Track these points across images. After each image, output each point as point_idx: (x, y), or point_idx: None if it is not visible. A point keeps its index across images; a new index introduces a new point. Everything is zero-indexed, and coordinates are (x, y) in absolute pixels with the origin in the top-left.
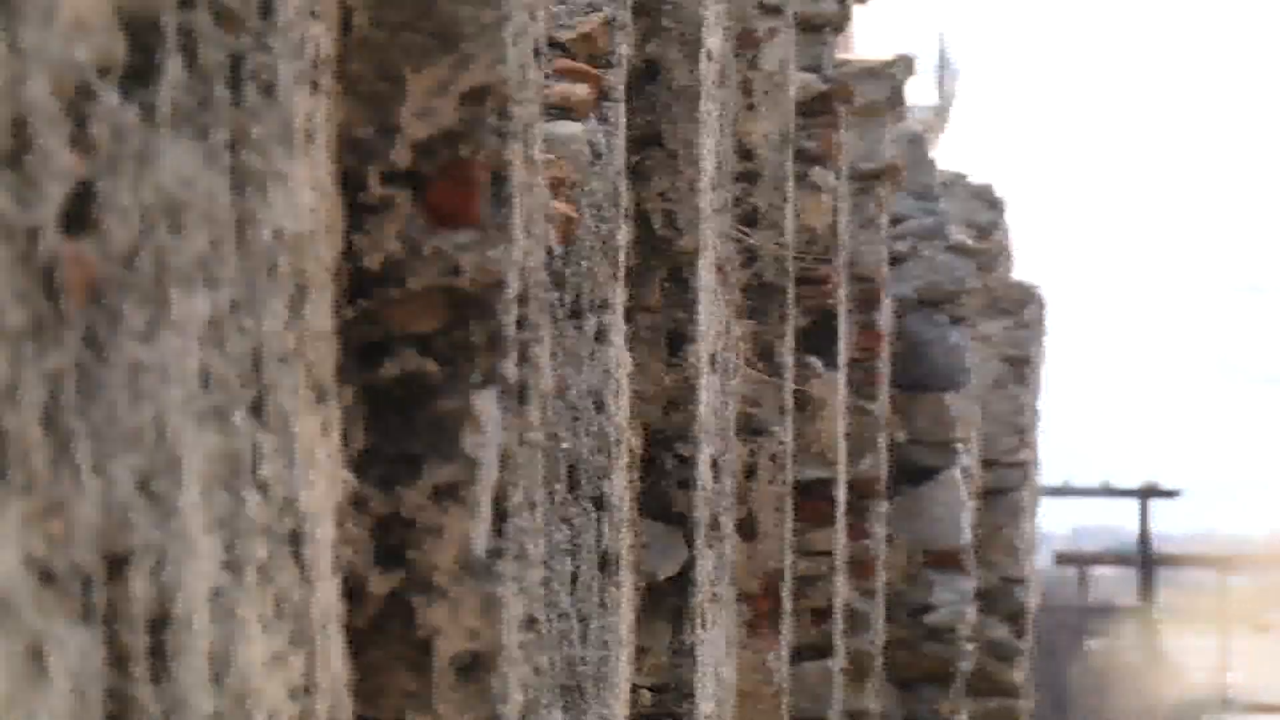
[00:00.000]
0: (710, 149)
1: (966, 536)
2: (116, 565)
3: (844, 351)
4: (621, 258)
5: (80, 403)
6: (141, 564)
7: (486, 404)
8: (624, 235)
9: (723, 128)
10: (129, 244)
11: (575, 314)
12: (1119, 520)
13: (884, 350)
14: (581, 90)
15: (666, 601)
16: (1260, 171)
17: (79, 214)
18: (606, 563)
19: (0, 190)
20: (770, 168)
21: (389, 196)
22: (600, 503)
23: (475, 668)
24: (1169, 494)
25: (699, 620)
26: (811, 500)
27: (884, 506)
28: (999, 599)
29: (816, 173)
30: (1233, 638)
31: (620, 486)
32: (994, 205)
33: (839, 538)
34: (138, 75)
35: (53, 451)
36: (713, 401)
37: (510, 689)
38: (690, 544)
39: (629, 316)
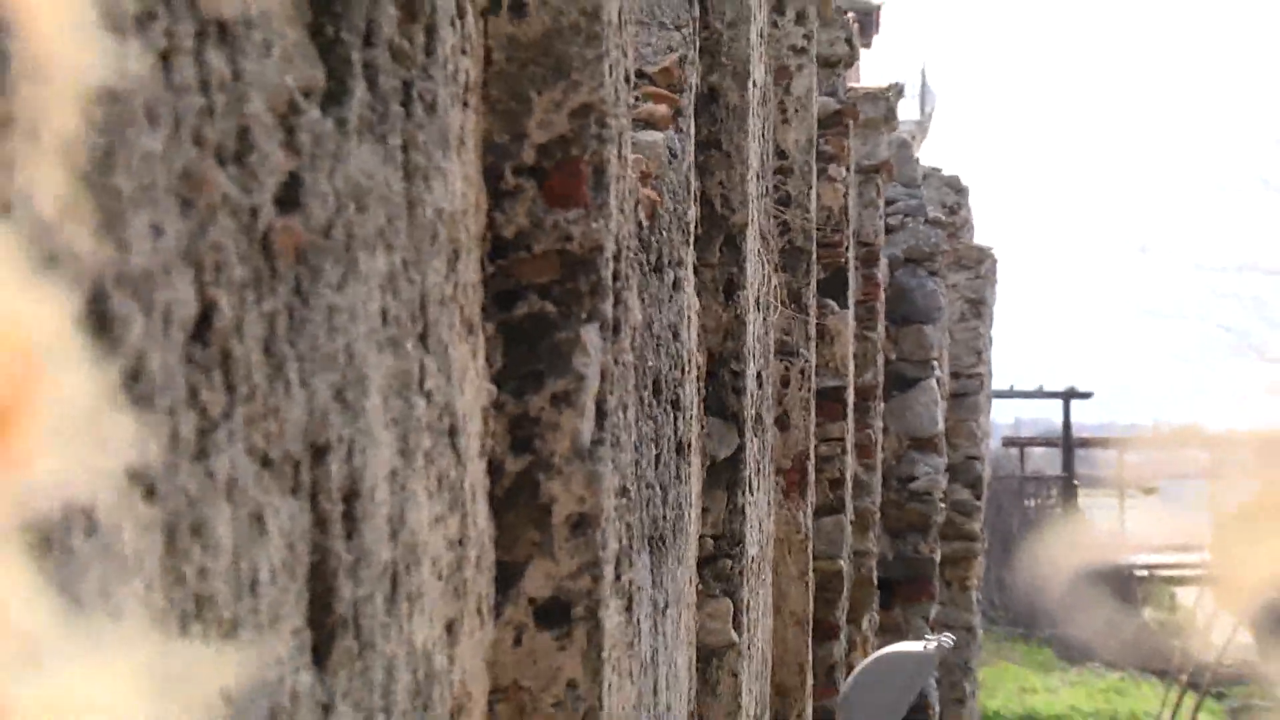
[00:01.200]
0: (755, 151)
1: (939, 426)
2: (318, 453)
3: (852, 296)
4: (691, 229)
5: (290, 335)
6: (337, 452)
7: (590, 335)
8: (693, 213)
9: (764, 136)
10: (326, 219)
11: (657, 269)
12: (1048, 414)
13: (880, 295)
14: (662, 109)
15: (724, 475)
16: (1148, 168)
17: (288, 197)
18: (680, 448)
19: (229, 180)
20: (799, 164)
21: (519, 185)
22: (676, 404)
23: (582, 525)
24: (1084, 395)
25: (747, 488)
26: (828, 402)
27: (881, 406)
28: (962, 471)
29: (832, 168)
30: (1127, 498)
31: (690, 393)
32: (959, 191)
33: (848, 428)
34: (333, 96)
35: (269, 370)
36: (756, 332)
37: (609, 539)
38: (741, 434)
39: (696, 271)
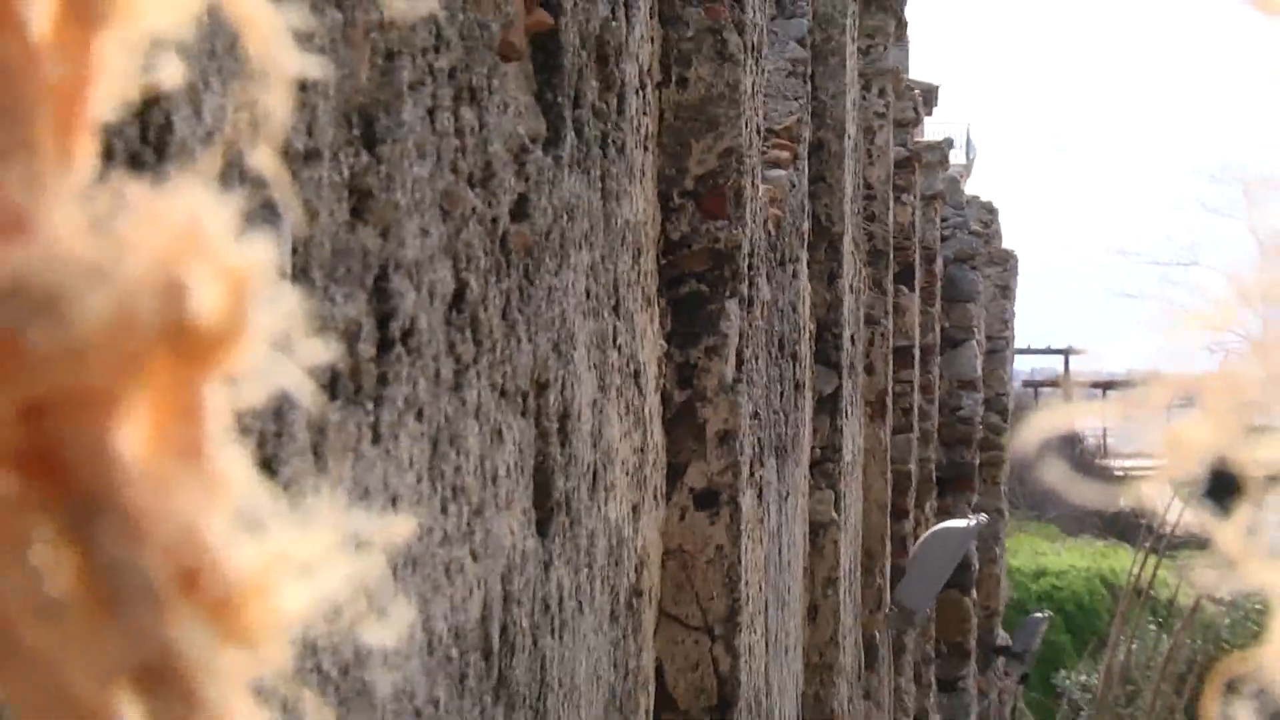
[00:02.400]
0: (849, 183)
1: (978, 373)
2: (540, 388)
3: (918, 283)
4: (805, 236)
5: (520, 305)
6: (554, 387)
7: (732, 306)
8: (806, 225)
9: (856, 173)
10: (546, 226)
11: (781, 263)
12: (1054, 364)
13: (937, 283)
14: (785, 154)
15: (827, 405)
16: (1133, 187)
17: (520, 210)
18: (798, 386)
19: (477, 198)
20: (880, 193)
21: (682, 204)
22: (795, 356)
23: (727, 438)
24: (1079, 351)
25: (844, 415)
26: (900, 357)
27: (937, 359)
28: (994, 403)
29: (904, 196)
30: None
31: (805, 348)
32: (991, 212)
33: (915, 374)
34: (551, 141)
35: (505, 330)
36: (850, 307)
37: (745, 448)
38: (839, 377)
39: (809, 265)
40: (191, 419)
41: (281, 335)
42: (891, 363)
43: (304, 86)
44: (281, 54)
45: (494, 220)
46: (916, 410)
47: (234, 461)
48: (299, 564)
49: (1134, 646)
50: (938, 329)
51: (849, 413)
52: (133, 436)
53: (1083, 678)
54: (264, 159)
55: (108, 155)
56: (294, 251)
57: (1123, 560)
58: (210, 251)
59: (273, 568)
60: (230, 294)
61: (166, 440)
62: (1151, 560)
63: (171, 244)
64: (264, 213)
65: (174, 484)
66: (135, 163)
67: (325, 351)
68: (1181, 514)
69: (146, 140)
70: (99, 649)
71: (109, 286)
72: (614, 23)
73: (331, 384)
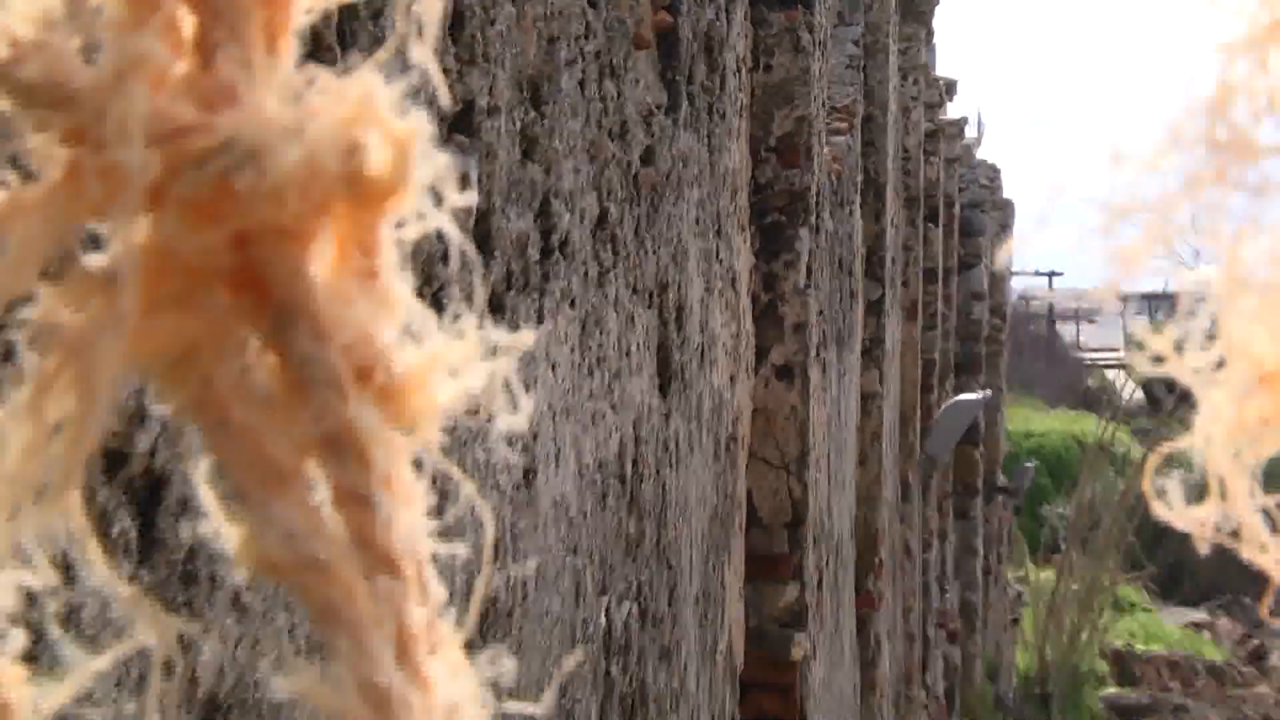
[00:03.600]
0: (891, 148)
1: (985, 287)
2: (662, 288)
3: (941, 221)
4: (858, 185)
5: (647, 227)
6: (672, 288)
7: (804, 233)
8: (859, 177)
9: (896, 140)
10: (666, 170)
11: (841, 204)
12: (1041, 283)
13: (956, 222)
14: (844, 125)
15: (874, 308)
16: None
17: (647, 158)
18: (851, 293)
19: (617, 148)
20: (914, 155)
21: (768, 156)
22: (850, 272)
23: (800, 328)
24: (1059, 274)
25: (886, 316)
26: (927, 276)
27: (956, 279)
28: (996, 310)
29: (931, 159)
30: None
31: (857, 267)
32: (996, 172)
33: (938, 289)
34: (670, 108)
35: (636, 244)
36: (891, 238)
37: (813, 336)
38: (882, 288)
39: (860, 206)
40: (367, 250)
41: (434, 186)
42: (921, 279)
43: (486, 58)
44: None
45: (628, 164)
46: (939, 314)
47: (399, 285)
48: (449, 366)
49: (1097, 487)
50: (955, 256)
51: (889, 314)
52: (321, 262)
53: (1059, 510)
54: (421, 52)
55: (304, 48)
56: (479, 180)
57: (1089, 424)
58: (381, 120)
59: (429, 367)
60: (396, 153)
61: (347, 266)
62: (1111, 425)
63: (351, 113)
64: (421, 93)
65: (353, 300)
66: (326, 55)
67: (467, 200)
68: (1133, 392)
69: (336, 38)
70: (293, 424)
71: (301, 144)
72: (718, 23)
73: (506, 279)
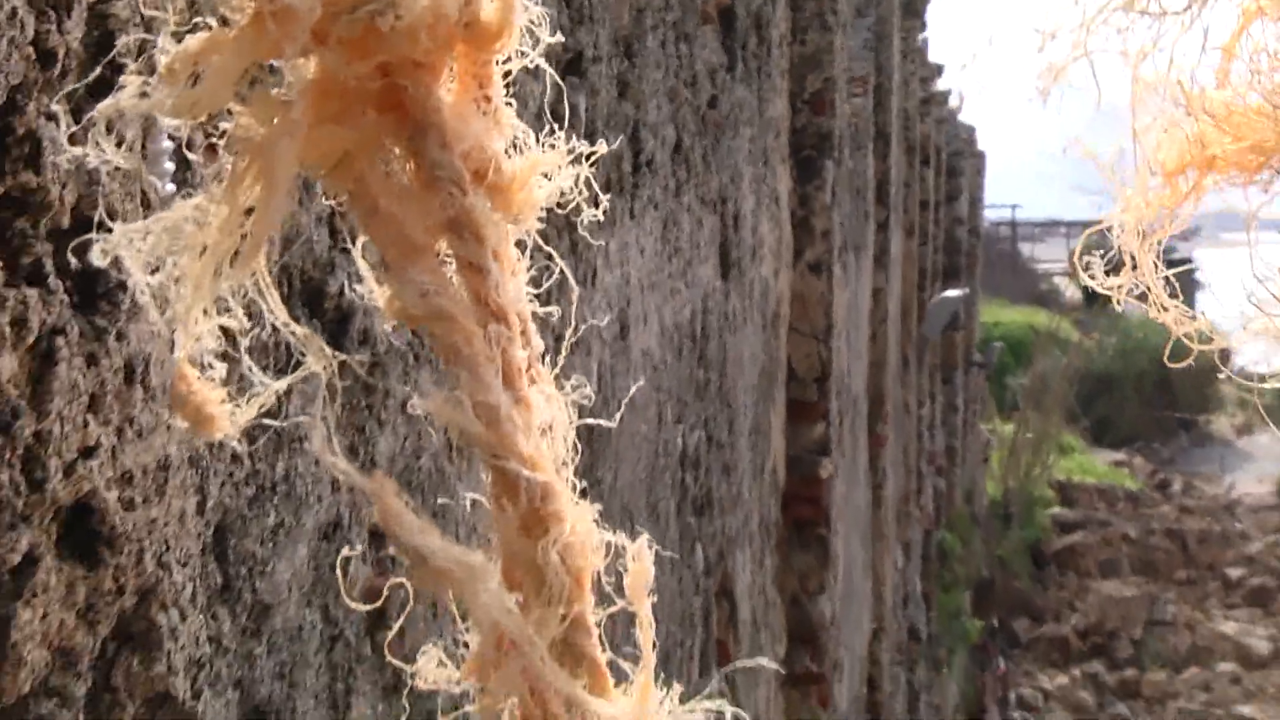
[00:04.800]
0: (895, 109)
1: (965, 213)
2: (723, 200)
3: (932, 165)
4: (871, 133)
5: (713, 153)
6: (730, 201)
7: (829, 164)
8: (871, 129)
9: (900, 104)
10: (726, 112)
11: (856, 148)
12: (1005, 215)
13: (943, 165)
14: (859, 89)
15: (881, 226)
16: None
17: (711, 103)
18: (866, 214)
19: (688, 93)
20: (912, 116)
21: (803, 108)
22: (864, 197)
23: (826, 234)
24: (1019, 206)
25: (890, 231)
26: (922, 204)
27: (943, 207)
28: (974, 231)
29: (925, 119)
30: (1037, 243)
31: (870, 194)
32: (972, 130)
33: (930, 212)
34: (729, 67)
35: (703, 166)
36: (894, 174)
37: (836, 240)
38: (888, 211)
39: (872, 149)
40: (481, 80)
41: (530, 30)
42: (917, 207)
43: (591, 20)
44: None
45: (697, 106)
46: (930, 234)
47: (506, 106)
48: (546, 170)
49: (1047, 363)
50: (943, 189)
51: (893, 232)
52: (446, 88)
53: (1019, 379)
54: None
55: None
56: (586, 110)
57: (1042, 318)
58: None
59: (529, 171)
60: (503, 3)
61: (466, 90)
62: (1057, 317)
63: None
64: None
65: (470, 117)
66: None
67: (557, 38)
68: (1073, 293)
69: None
70: (426, 212)
71: None
72: (765, 6)
73: (606, 185)
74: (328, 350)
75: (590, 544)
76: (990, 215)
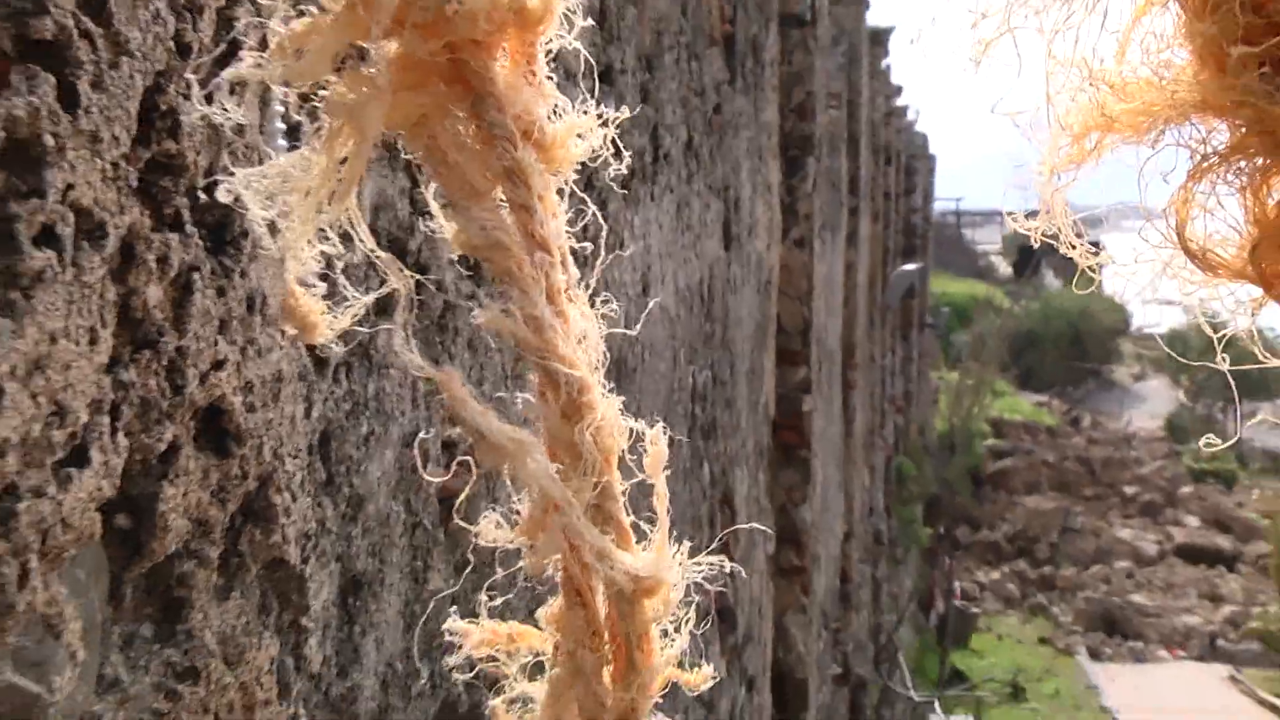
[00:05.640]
0: (865, 117)
1: (920, 204)
2: (725, 188)
3: (894, 166)
4: (844, 139)
5: (717, 149)
6: (732, 188)
7: (812, 161)
8: (845, 136)
9: (868, 114)
10: (729, 116)
11: (833, 149)
12: (950, 205)
13: (902, 166)
14: (835, 102)
15: (854, 212)
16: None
17: (716, 109)
18: (841, 203)
19: (698, 101)
20: (877, 125)
21: (790, 115)
22: (838, 189)
23: (809, 217)
24: (962, 199)
25: (860, 217)
26: (886, 195)
27: (903, 198)
28: (927, 218)
29: (888, 129)
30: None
31: (844, 186)
32: (925, 137)
33: (893, 203)
34: (730, 80)
35: (709, 159)
36: (864, 173)
37: (816, 222)
38: (858, 200)
39: (845, 150)
40: (529, 57)
41: (565, 16)
42: (882, 197)
43: (619, 39)
44: None
45: (705, 111)
46: (892, 220)
47: (548, 79)
48: (580, 132)
49: (984, 324)
50: (902, 184)
51: (862, 217)
52: (501, 63)
53: (963, 337)
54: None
55: None
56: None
57: (981, 289)
58: None
59: (567, 133)
60: None
61: (516, 65)
62: (994, 288)
63: None
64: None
65: (520, 87)
66: None
67: (585, 21)
68: (1005, 268)
69: None
70: (485, 161)
71: None
72: (760, 33)
73: (631, 174)
74: (406, 271)
75: (616, 428)
76: (939, 206)
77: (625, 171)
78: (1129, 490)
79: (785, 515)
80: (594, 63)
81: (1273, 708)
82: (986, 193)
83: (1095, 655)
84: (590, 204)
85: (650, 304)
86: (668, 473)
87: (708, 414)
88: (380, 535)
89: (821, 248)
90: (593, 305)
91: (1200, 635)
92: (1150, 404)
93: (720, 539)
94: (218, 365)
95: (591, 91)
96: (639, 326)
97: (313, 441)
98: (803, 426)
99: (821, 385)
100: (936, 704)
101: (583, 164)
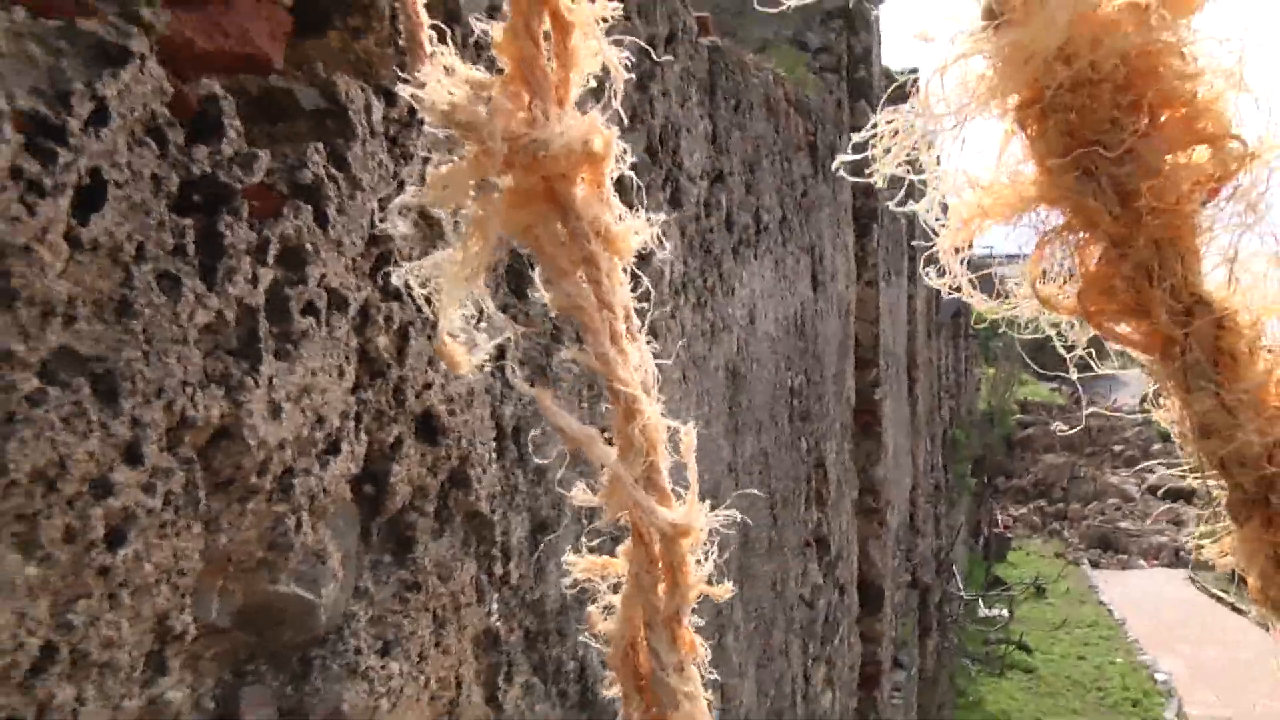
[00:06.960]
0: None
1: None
2: (812, 248)
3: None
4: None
5: (805, 222)
6: (817, 247)
7: (876, 228)
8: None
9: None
10: (814, 199)
11: (893, 218)
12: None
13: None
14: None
15: (912, 261)
16: None
17: (805, 193)
18: (902, 253)
19: (788, 191)
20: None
21: (860, 194)
22: (900, 242)
23: (875, 265)
24: (990, 245)
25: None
26: None
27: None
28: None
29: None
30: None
31: (904, 240)
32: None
33: None
34: (814, 175)
35: (800, 228)
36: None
37: (882, 270)
38: (915, 251)
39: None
40: (598, 184)
41: (620, 158)
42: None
43: (728, 151)
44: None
45: (796, 196)
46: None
47: (614, 199)
48: (637, 230)
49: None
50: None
51: (920, 262)
52: (580, 187)
53: (996, 343)
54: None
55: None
56: (726, 202)
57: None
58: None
59: (628, 231)
60: (606, 143)
61: (591, 188)
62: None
63: (588, 125)
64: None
65: (593, 203)
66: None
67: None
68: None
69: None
70: (570, 252)
71: (567, 140)
72: (837, 139)
73: (741, 241)
74: (514, 324)
75: (659, 426)
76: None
77: (735, 242)
78: (1116, 448)
79: (865, 474)
80: (709, 170)
81: (1217, 599)
82: (1010, 241)
83: (1095, 565)
84: (706, 265)
85: (757, 330)
86: (766, 446)
87: (803, 404)
88: (557, 495)
89: (887, 287)
90: (713, 335)
91: (1168, 550)
92: (1130, 387)
93: (815, 490)
94: (428, 386)
95: (707, 189)
96: (747, 346)
97: (505, 430)
98: (876, 410)
99: (890, 381)
100: (981, 601)
101: (702, 236)
